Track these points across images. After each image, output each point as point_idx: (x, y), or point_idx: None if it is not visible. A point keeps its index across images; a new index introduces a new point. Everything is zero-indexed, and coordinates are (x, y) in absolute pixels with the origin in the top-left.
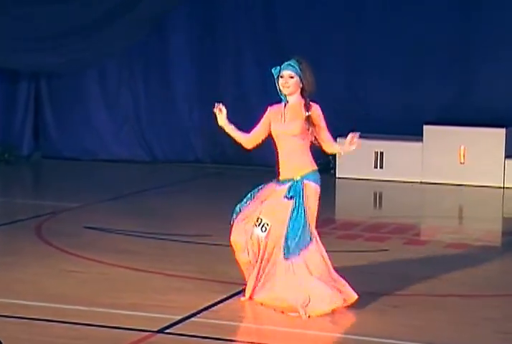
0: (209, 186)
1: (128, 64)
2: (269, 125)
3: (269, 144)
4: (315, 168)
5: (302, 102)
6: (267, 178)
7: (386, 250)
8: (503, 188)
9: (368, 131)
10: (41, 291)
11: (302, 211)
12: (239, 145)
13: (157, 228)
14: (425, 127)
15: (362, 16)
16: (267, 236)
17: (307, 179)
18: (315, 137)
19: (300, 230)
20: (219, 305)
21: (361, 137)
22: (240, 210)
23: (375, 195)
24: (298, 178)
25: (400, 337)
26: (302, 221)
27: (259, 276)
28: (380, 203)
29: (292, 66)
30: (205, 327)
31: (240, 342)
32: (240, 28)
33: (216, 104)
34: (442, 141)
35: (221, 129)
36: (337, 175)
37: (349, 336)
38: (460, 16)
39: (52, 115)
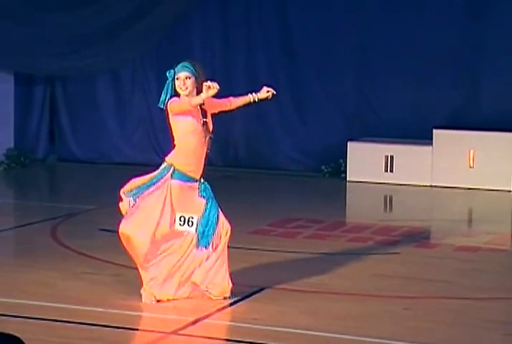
0: (221, 189)
1: (141, 68)
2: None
3: (280, 148)
4: None
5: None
6: (277, 181)
7: (396, 253)
8: None
9: (379, 135)
10: (56, 292)
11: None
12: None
13: None
14: (435, 132)
15: (372, 20)
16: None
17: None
18: (216, 113)
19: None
20: (231, 307)
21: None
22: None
23: (385, 198)
24: (202, 179)
25: (410, 339)
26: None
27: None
28: (390, 206)
29: (187, 67)
30: (218, 328)
31: (252, 343)
32: (252, 31)
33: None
34: (452, 145)
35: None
36: (348, 179)
37: (359, 338)
38: (471, 20)
39: (67, 118)
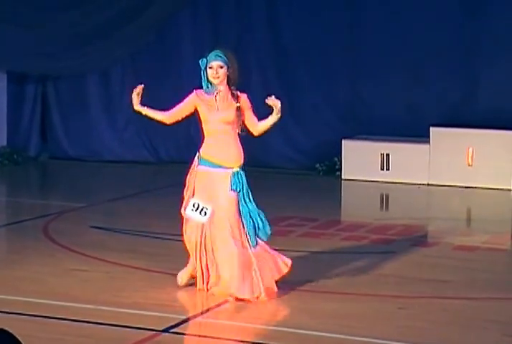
0: None
1: (132, 67)
2: (193, 107)
3: (274, 146)
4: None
5: (229, 91)
6: (272, 179)
7: (392, 252)
8: (511, 190)
9: (375, 133)
10: (47, 289)
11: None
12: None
13: (162, 229)
14: (432, 129)
15: (366, 18)
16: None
17: (242, 171)
18: (243, 123)
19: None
20: (224, 305)
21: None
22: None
23: (381, 197)
24: (238, 169)
25: (406, 339)
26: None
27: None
28: (387, 204)
29: (220, 56)
30: (210, 326)
31: (244, 342)
32: (243, 30)
33: (138, 87)
34: (449, 143)
35: (137, 112)
36: (343, 177)
37: (354, 337)
38: (467, 18)
39: (59, 116)
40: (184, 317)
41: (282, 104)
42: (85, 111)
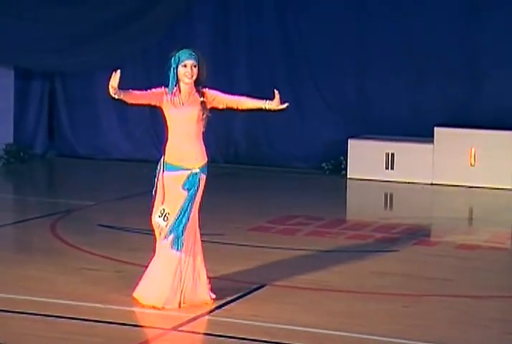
0: (221, 186)
1: (142, 64)
2: (157, 101)
3: (280, 145)
4: (206, 159)
5: (194, 89)
6: (278, 179)
7: (396, 251)
8: None
9: (380, 133)
10: (55, 288)
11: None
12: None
13: None
14: (436, 129)
15: (373, 17)
16: (167, 226)
17: (203, 173)
18: (223, 107)
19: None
20: (231, 304)
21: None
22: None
23: (386, 196)
24: (197, 170)
25: (409, 337)
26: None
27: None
28: (391, 204)
29: (192, 55)
30: (218, 325)
31: (253, 340)
32: (252, 28)
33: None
34: (453, 143)
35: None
36: (348, 176)
37: (358, 335)
38: (471, 19)
39: (67, 113)
40: (193, 316)
41: (288, 102)
42: (93, 108)
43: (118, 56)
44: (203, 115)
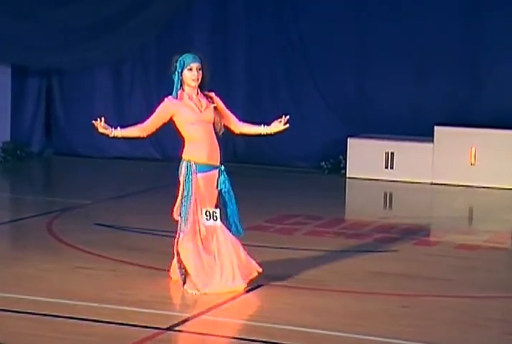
0: None
1: (139, 62)
2: (169, 116)
3: (280, 144)
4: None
5: (200, 93)
6: (277, 178)
7: (395, 250)
8: None
9: (379, 132)
10: (51, 287)
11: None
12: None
13: (167, 226)
14: (436, 128)
15: (373, 16)
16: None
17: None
18: (221, 122)
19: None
20: (228, 303)
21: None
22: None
23: (385, 195)
24: (222, 167)
25: (409, 337)
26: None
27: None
28: (390, 203)
29: (198, 59)
30: (214, 325)
31: (250, 340)
32: (251, 26)
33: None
34: (453, 142)
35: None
36: (347, 175)
37: (357, 336)
38: (472, 18)
39: (64, 111)
40: (188, 315)
41: (287, 101)
42: (91, 106)
43: (117, 52)
44: (218, 119)
